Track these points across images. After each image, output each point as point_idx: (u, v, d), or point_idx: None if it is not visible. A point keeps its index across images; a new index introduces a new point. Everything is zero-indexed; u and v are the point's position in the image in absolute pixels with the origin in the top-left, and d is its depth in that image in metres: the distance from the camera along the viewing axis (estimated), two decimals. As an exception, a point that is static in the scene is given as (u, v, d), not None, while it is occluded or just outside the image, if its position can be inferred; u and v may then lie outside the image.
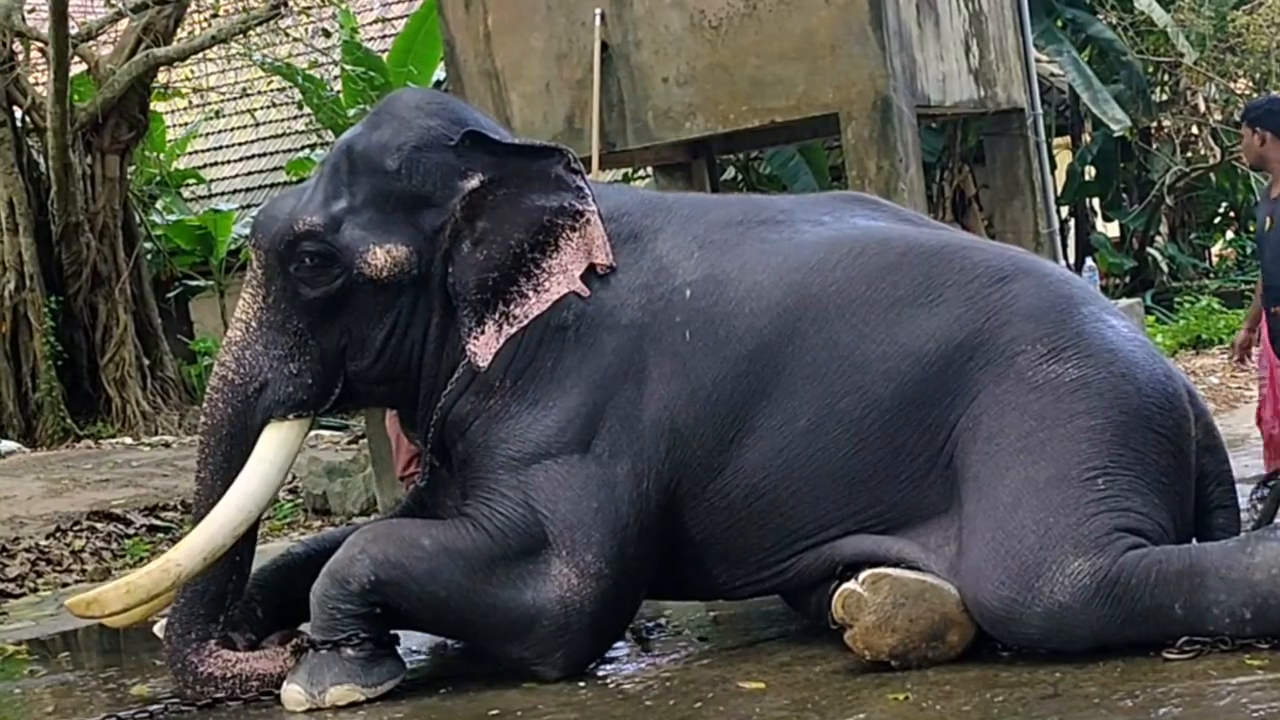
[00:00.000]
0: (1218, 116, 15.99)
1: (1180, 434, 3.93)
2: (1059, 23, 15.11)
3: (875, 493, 3.96)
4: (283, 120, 18.13)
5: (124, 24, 15.37)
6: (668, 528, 4.08)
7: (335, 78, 16.42)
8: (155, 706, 4.17)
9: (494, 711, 3.80)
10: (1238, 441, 6.42)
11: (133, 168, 15.94)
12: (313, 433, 5.58)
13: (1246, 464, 5.80)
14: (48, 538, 8.43)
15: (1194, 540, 3.94)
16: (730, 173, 14.29)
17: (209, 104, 18.30)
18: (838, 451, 3.96)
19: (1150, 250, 16.26)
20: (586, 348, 4.10)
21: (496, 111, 7.87)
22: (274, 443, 4.22)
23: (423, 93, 5.35)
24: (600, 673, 4.10)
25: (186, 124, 18.72)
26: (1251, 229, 13.72)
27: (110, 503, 9.38)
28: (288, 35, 16.27)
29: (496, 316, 4.13)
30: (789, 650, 4.13)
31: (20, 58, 14.71)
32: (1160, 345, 10.02)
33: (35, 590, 7.43)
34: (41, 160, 14.39)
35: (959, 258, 4.09)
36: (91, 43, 15.45)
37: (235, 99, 17.44)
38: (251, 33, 15.22)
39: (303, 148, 17.23)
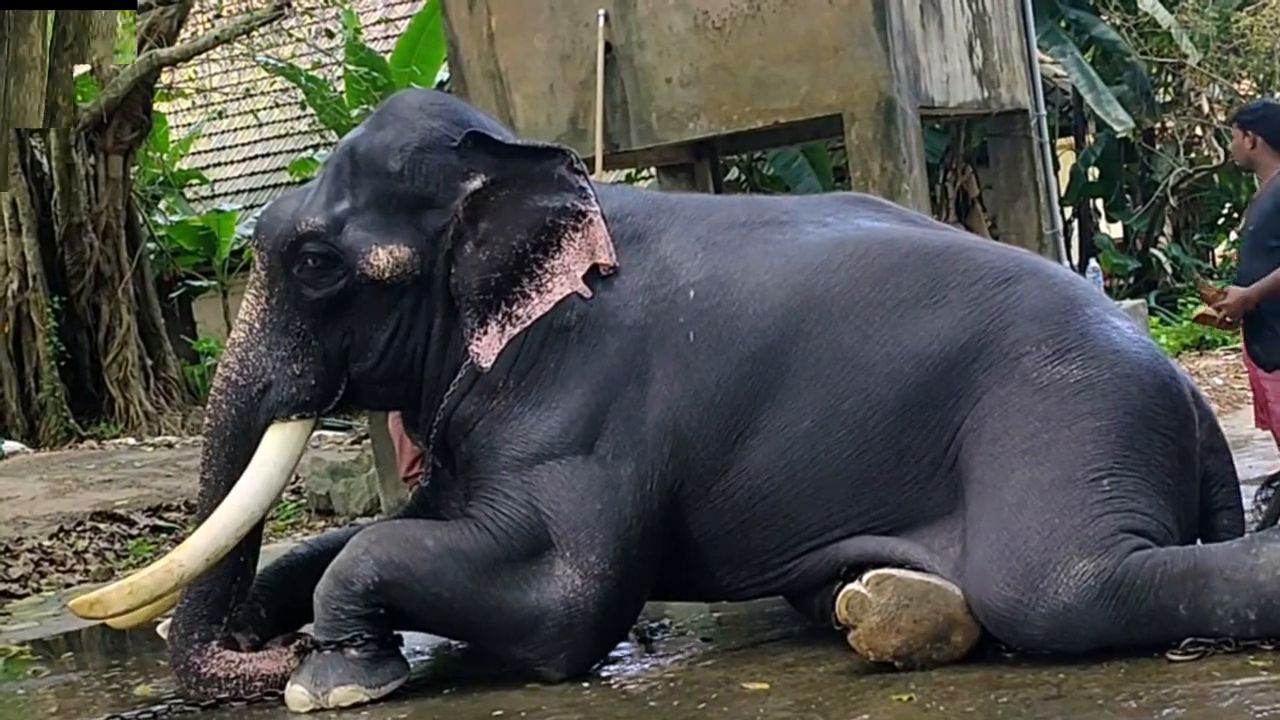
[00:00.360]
0: (1221, 117, 15.98)
1: (1185, 435, 3.93)
2: (1062, 24, 15.12)
3: (879, 494, 3.96)
4: (286, 121, 18.16)
5: (128, 24, 15.39)
6: (671, 529, 4.08)
7: (338, 78, 16.44)
8: (159, 707, 4.17)
9: (497, 712, 3.80)
10: (1242, 442, 6.42)
11: (136, 168, 15.96)
12: (316, 433, 5.59)
13: (1251, 465, 5.80)
14: (51, 538, 8.44)
15: (1199, 541, 3.94)
16: (734, 174, 14.29)
17: (212, 104, 18.35)
18: (842, 453, 3.96)
19: (1154, 251, 16.26)
20: (590, 348, 4.10)
21: (500, 112, 7.86)
22: (277, 443, 4.22)
23: (425, 94, 5.35)
24: (604, 673, 4.10)
25: (190, 124, 18.76)
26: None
27: (113, 503, 9.39)
28: (291, 36, 16.30)
29: (499, 317, 4.12)
30: (793, 651, 4.12)
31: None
32: (1164, 346, 10.01)
33: (39, 591, 7.44)
34: (45, 160, 14.40)
35: (963, 259, 4.09)
36: (95, 43, 15.46)
37: (238, 99, 17.47)
38: (255, 33, 15.25)
39: (306, 148, 17.26)
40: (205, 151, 19.13)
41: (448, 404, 4.17)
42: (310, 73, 16.28)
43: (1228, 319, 5.35)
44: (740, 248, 4.19)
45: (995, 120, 9.59)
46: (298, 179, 15.36)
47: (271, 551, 5.47)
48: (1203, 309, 5.54)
